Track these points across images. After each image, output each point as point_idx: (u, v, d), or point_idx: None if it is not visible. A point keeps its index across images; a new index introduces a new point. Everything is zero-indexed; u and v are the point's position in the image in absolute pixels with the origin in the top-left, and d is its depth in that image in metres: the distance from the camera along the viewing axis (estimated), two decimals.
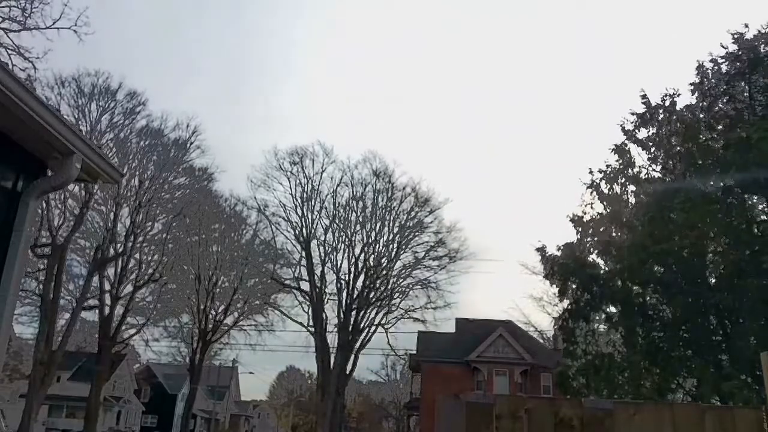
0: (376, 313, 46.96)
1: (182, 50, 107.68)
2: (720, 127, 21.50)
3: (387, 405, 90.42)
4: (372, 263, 46.88)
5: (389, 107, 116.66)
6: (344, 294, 46.30)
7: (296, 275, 47.35)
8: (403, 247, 47.73)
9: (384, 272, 47.18)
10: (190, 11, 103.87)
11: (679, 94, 23.18)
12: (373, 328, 46.72)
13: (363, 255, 46.91)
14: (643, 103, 23.93)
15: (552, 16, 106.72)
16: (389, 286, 47.66)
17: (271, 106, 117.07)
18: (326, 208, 47.56)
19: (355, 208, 47.56)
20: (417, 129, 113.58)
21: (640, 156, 23.99)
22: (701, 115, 22.16)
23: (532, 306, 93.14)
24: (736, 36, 21.17)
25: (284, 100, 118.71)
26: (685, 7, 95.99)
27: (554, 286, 24.14)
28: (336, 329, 45.39)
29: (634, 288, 22.24)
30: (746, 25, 21.27)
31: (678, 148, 22.56)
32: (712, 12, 79.15)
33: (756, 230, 19.23)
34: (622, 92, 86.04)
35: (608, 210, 23.95)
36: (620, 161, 23.96)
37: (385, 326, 47.08)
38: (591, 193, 24.43)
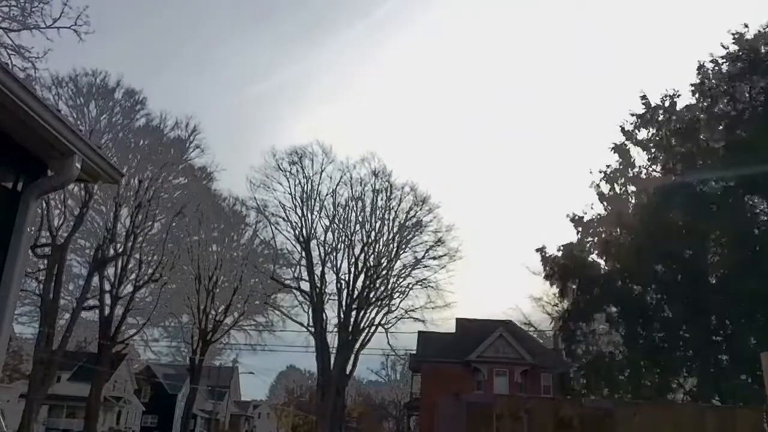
0: (376, 313, 46.96)
1: (182, 49, 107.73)
2: (720, 127, 21.53)
3: (387, 405, 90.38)
4: (372, 263, 46.84)
5: (389, 108, 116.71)
6: (344, 294, 46.28)
7: (296, 275, 47.36)
8: (403, 246, 47.72)
9: (384, 272, 47.13)
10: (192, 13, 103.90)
11: (678, 95, 23.26)
12: (373, 328, 46.71)
13: (363, 255, 46.89)
14: (642, 104, 23.99)
15: (553, 17, 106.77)
16: (389, 286, 47.64)
17: (272, 105, 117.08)
18: (326, 207, 47.57)
19: (355, 208, 47.57)
20: (417, 130, 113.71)
21: (640, 156, 24.09)
22: (701, 116, 22.19)
23: (533, 306, 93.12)
24: (736, 36, 21.20)
25: (284, 100, 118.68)
26: (686, 7, 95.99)
27: (554, 286, 24.23)
28: (336, 329, 45.34)
29: (634, 288, 22.29)
30: (746, 26, 21.34)
31: (678, 149, 22.58)
32: (713, 12, 79.15)
33: (756, 230, 19.25)
34: (623, 93, 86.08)
35: (608, 210, 24.01)
36: (620, 161, 24.02)
37: (385, 326, 47.07)
38: (592, 193, 24.52)
